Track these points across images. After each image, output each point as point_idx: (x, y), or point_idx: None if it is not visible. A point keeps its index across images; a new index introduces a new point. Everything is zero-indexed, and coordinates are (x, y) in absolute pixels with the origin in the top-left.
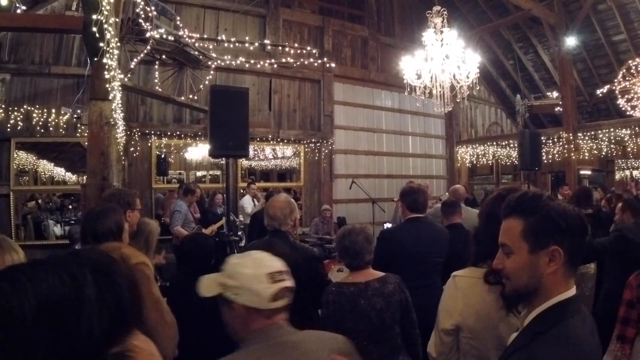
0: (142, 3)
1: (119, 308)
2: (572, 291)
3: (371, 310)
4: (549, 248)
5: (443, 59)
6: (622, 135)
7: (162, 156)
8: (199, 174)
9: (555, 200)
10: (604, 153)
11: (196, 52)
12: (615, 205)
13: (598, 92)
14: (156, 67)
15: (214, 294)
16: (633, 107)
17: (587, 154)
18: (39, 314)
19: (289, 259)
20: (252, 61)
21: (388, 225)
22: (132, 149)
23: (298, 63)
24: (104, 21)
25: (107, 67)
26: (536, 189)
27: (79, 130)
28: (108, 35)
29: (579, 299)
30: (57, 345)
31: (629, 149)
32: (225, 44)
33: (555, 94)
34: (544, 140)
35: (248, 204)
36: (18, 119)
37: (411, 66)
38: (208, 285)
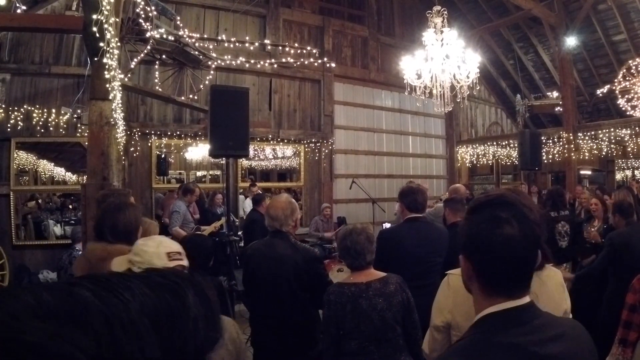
0: (142, 3)
1: (213, 319)
2: (501, 306)
3: (372, 311)
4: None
5: (443, 58)
6: (622, 135)
7: (162, 156)
8: (199, 174)
9: (495, 210)
10: (604, 153)
11: (196, 52)
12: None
13: (598, 92)
14: (156, 67)
15: (123, 269)
16: (633, 107)
17: (587, 154)
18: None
19: (289, 259)
20: (252, 61)
21: (387, 225)
22: (132, 149)
23: (298, 63)
24: (104, 21)
25: (107, 67)
26: (503, 192)
27: (79, 130)
28: (108, 35)
29: (518, 312)
30: (168, 352)
31: (629, 149)
32: (225, 44)
33: (555, 94)
34: (544, 140)
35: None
36: (18, 119)
37: (411, 66)
38: (119, 262)
